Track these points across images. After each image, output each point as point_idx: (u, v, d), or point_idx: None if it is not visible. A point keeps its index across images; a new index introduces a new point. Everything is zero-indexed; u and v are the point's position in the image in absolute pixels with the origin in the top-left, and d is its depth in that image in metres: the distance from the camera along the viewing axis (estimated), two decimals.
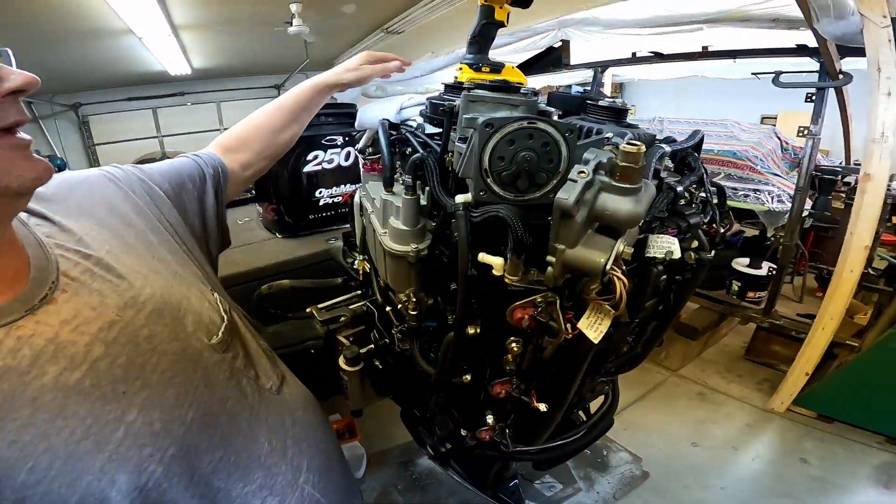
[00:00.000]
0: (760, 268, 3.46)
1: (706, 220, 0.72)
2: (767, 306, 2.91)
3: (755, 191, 3.36)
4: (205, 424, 0.54)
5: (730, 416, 2.44)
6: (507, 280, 0.56)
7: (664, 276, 0.72)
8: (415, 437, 1.20)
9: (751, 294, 3.48)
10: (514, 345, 0.61)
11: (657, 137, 0.70)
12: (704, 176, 0.75)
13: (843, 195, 3.12)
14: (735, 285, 3.57)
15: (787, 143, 3.85)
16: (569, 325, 0.54)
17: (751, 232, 4.02)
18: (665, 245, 0.61)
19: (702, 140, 0.80)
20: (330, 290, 1.66)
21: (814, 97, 2.58)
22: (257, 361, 0.69)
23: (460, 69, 0.92)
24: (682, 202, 0.74)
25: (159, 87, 7.13)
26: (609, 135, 0.57)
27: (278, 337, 1.52)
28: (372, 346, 1.18)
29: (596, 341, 0.52)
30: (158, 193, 0.73)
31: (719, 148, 3.64)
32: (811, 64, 2.56)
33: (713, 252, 0.70)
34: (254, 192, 2.35)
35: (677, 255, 0.61)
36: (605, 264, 0.44)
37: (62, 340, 0.47)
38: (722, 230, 0.84)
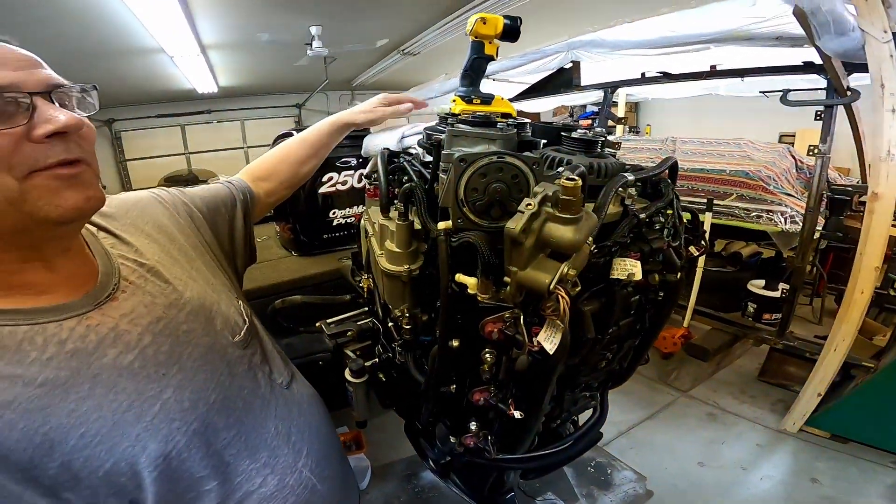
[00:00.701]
0: (776, 290, 3.41)
1: (674, 244, 0.77)
2: (781, 328, 2.87)
3: (768, 211, 3.33)
4: (224, 406, 0.64)
5: (740, 437, 2.42)
6: (479, 298, 0.63)
7: (636, 297, 0.78)
8: (417, 450, 1.24)
9: (766, 316, 3.42)
10: (488, 355, 0.67)
11: (626, 166, 0.75)
12: (675, 201, 0.80)
13: (861, 214, 3.08)
14: (750, 307, 3.53)
15: (801, 162, 3.81)
16: (534, 339, 0.60)
17: (769, 253, 3.98)
18: (627, 268, 0.66)
19: (675, 167, 0.85)
20: (339, 306, 1.74)
21: (822, 115, 2.58)
22: (272, 360, 0.80)
23: (454, 101, 1.00)
24: (657, 226, 0.80)
25: (187, 104, 7.37)
26: (561, 169, 0.63)
27: (290, 349, 1.59)
28: (376, 359, 1.24)
29: (551, 352, 0.57)
30: (197, 215, 0.87)
31: (732, 168, 3.64)
32: (822, 80, 2.56)
33: (679, 274, 0.75)
34: (272, 211, 2.47)
35: (638, 276, 0.67)
36: (550, 284, 0.50)
37: (120, 330, 0.58)
38: (697, 253, 0.88)
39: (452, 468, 1.21)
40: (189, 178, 6.73)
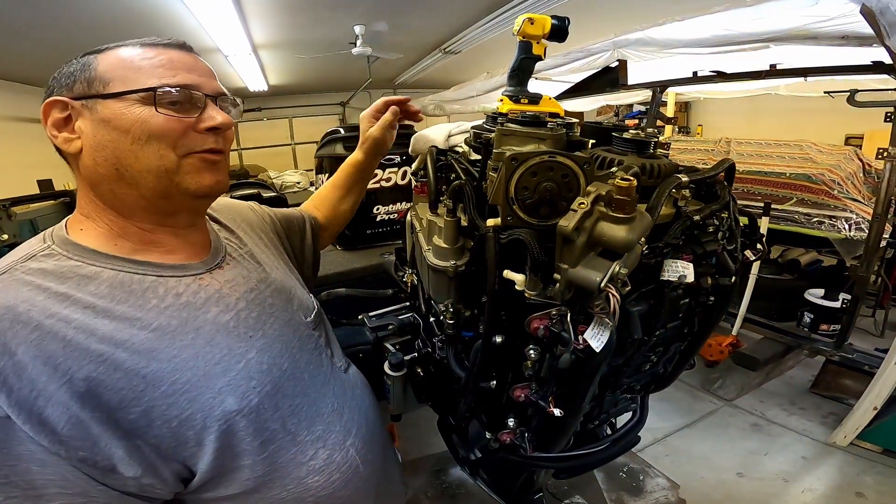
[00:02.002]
0: (836, 300, 3.21)
1: (729, 248, 0.75)
2: (839, 339, 2.70)
3: (831, 217, 3.13)
4: (293, 376, 0.71)
5: (785, 449, 2.31)
6: (526, 294, 0.64)
7: (685, 300, 0.76)
8: (448, 446, 1.26)
9: (824, 326, 3.23)
10: (532, 352, 0.68)
11: (679, 167, 0.74)
12: (732, 204, 0.78)
13: None
14: (807, 317, 3.34)
15: (869, 166, 3.56)
16: (580, 337, 0.60)
17: (829, 261, 3.74)
18: (679, 269, 0.65)
19: (732, 168, 0.83)
20: (381, 300, 1.79)
21: (893, 117, 2.41)
22: (333, 345, 0.89)
23: (501, 100, 1.01)
24: (711, 229, 0.78)
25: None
26: (613, 169, 0.63)
27: None
28: (415, 354, 1.27)
29: (598, 351, 0.58)
30: (278, 226, 1.03)
31: (792, 171, 3.44)
32: (892, 80, 2.39)
33: (734, 278, 0.73)
34: None
35: (690, 279, 0.65)
36: (600, 283, 0.51)
37: (223, 292, 0.68)
38: (753, 258, 0.85)
39: (482, 466, 1.22)
40: (241, 173, 7.04)
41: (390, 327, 1.44)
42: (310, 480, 0.70)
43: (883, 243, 2.71)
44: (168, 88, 0.61)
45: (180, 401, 0.57)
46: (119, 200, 0.64)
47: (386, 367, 1.25)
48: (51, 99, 0.62)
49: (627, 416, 1.08)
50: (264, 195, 3.42)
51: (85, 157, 0.62)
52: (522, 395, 0.74)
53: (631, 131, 0.76)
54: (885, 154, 2.46)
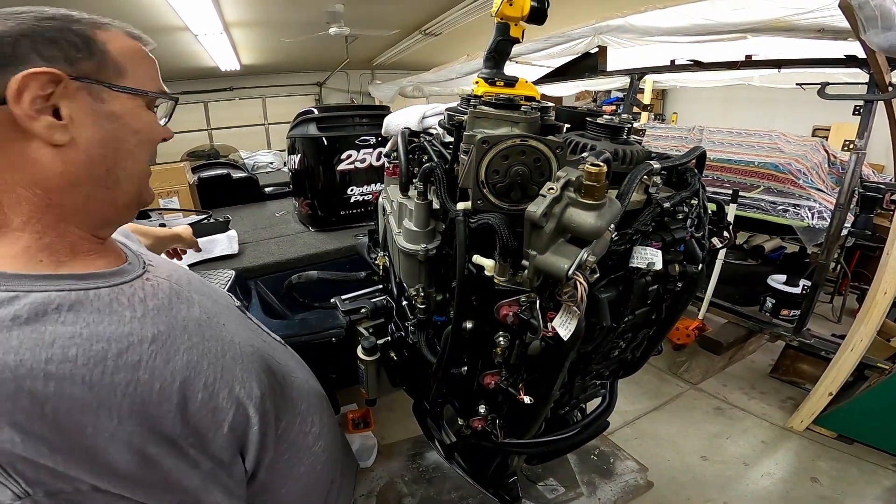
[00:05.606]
0: (797, 286, 3.34)
1: (697, 235, 0.75)
2: (798, 324, 2.82)
3: (795, 206, 3.23)
4: (267, 351, 0.67)
5: (746, 433, 2.41)
6: (495, 280, 0.63)
7: (654, 287, 0.77)
8: (423, 430, 1.26)
9: (785, 311, 3.36)
10: (501, 339, 0.67)
11: (651, 153, 0.74)
12: (701, 191, 0.78)
13: (892, 213, 2.98)
14: (769, 302, 3.47)
15: (835, 157, 3.68)
16: (549, 324, 0.60)
17: (792, 248, 3.88)
18: (648, 257, 0.65)
19: (703, 156, 0.83)
20: (354, 283, 1.76)
21: (861, 110, 2.48)
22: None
23: (476, 82, 0.98)
24: (680, 216, 0.78)
25: (210, 81, 7.39)
26: (585, 154, 0.62)
27: (304, 324, 1.62)
28: (388, 338, 1.26)
29: (566, 339, 0.57)
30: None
31: (760, 160, 3.52)
32: (862, 74, 2.46)
33: (700, 266, 0.74)
34: (291, 186, 2.49)
35: (658, 266, 0.66)
36: (569, 270, 0.50)
37: (175, 288, 0.58)
38: (720, 245, 0.86)
39: (457, 450, 1.22)
40: (211, 153, 6.81)
41: (363, 311, 1.42)
42: (316, 448, 0.68)
43: (844, 232, 2.82)
44: (172, 101, 0.61)
45: (220, 403, 0.52)
46: (85, 208, 0.53)
47: (359, 351, 1.23)
48: (38, 70, 0.46)
49: (597, 401, 1.10)
50: (234, 175, 3.32)
51: (77, 152, 0.50)
52: (493, 383, 0.74)
53: (605, 117, 0.75)
54: (851, 146, 2.54)
